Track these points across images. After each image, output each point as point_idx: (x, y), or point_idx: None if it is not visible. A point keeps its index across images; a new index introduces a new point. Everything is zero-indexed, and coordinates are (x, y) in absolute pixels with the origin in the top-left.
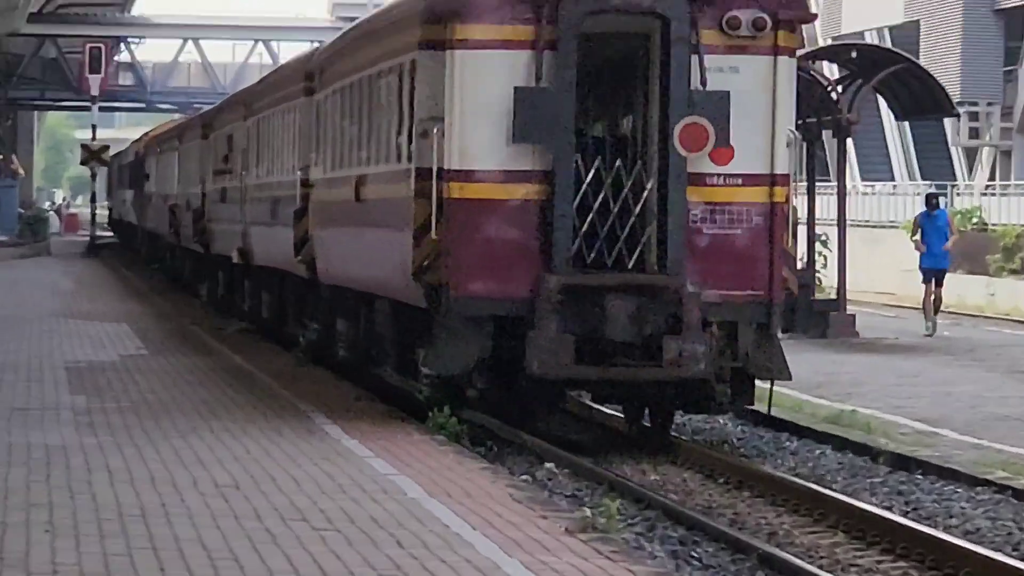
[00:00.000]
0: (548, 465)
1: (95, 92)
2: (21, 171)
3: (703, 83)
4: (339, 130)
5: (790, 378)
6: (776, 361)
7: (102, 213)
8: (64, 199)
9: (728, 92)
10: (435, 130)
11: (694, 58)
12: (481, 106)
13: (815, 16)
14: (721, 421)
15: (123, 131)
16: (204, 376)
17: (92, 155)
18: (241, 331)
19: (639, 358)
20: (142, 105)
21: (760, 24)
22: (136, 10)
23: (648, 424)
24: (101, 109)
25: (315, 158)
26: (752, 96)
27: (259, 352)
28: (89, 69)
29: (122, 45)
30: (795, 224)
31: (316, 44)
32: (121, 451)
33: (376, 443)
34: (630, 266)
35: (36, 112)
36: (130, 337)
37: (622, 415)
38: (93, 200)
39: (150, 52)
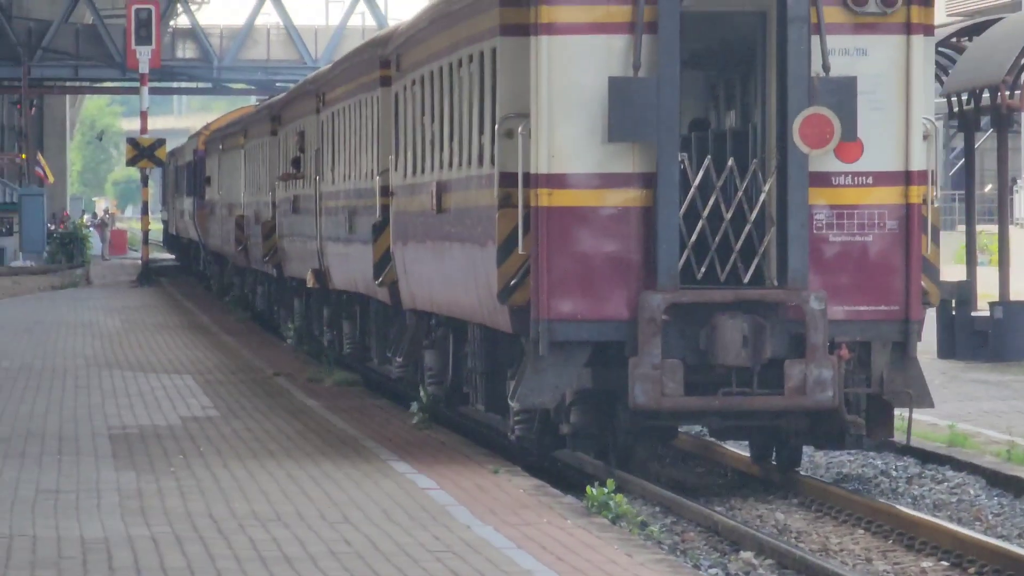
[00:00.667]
0: (744, 555)
1: (144, 69)
2: (50, 175)
3: (826, 68)
4: (419, 128)
5: (932, 405)
6: (916, 386)
7: (157, 228)
8: (107, 210)
9: (855, 78)
10: (520, 129)
11: (815, 39)
12: (572, 100)
13: None
14: (973, 493)
15: (185, 119)
16: (292, 445)
17: (142, 153)
18: (343, 383)
19: (757, 386)
20: (208, 85)
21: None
22: None
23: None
24: (153, 91)
25: (394, 161)
26: (883, 82)
27: (365, 410)
28: (136, 38)
29: (179, 5)
30: (936, 228)
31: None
32: (182, 546)
33: (518, 529)
34: (746, 280)
35: (68, 96)
36: (195, 393)
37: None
38: (145, 212)
39: (217, 14)
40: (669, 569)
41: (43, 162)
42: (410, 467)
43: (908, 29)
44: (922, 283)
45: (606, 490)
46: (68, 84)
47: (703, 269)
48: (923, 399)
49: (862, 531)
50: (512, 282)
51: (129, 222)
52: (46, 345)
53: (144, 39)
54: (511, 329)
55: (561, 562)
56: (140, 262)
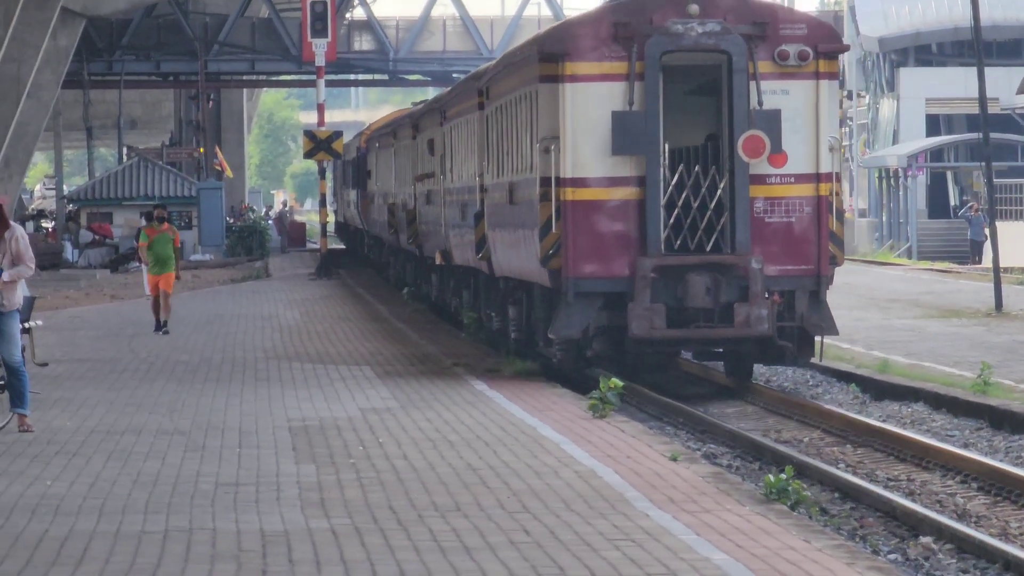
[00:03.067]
0: (924, 539)
1: (321, 61)
2: (228, 169)
3: (760, 103)
4: (499, 142)
5: (837, 333)
6: (825, 320)
7: (334, 220)
8: (285, 203)
9: (779, 110)
10: (553, 147)
11: (752, 84)
12: (587, 127)
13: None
14: None
15: (362, 113)
16: (472, 435)
17: (319, 145)
18: (522, 373)
19: (716, 321)
20: (384, 77)
21: (804, 55)
22: None
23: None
24: (330, 84)
25: (487, 166)
26: (799, 112)
27: (544, 399)
28: (312, 31)
29: None
30: (840, 211)
31: None
32: (362, 538)
33: (696, 517)
34: (708, 249)
35: (245, 90)
36: (374, 385)
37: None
38: (323, 204)
39: (392, 6)
40: (847, 555)
41: (220, 156)
42: (589, 455)
43: (817, 76)
44: (830, 249)
45: (784, 476)
46: (244, 78)
47: (679, 241)
48: (831, 329)
49: None
50: (550, 252)
51: (308, 215)
52: (226, 338)
53: (320, 32)
54: (550, 285)
55: (740, 549)
56: (319, 254)
